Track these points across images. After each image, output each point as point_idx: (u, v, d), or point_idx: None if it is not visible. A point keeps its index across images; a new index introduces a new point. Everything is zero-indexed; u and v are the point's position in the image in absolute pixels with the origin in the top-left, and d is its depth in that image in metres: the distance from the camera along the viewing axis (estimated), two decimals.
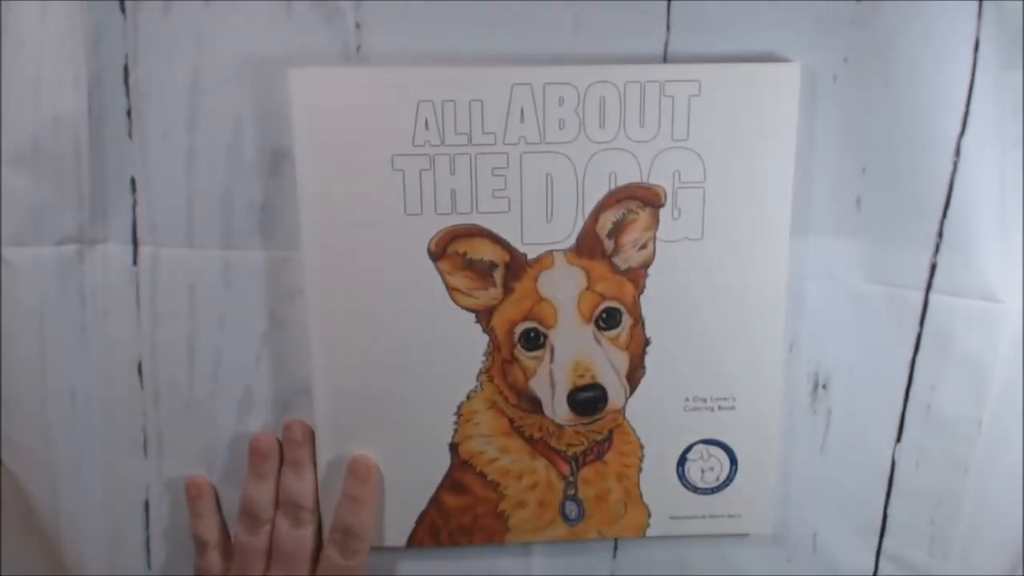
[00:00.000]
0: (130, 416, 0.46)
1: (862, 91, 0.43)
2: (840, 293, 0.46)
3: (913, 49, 0.42)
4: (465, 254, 0.43)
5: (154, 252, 0.44)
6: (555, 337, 0.44)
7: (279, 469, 0.45)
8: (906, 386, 0.46)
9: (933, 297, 0.45)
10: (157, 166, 0.43)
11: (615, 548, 0.49)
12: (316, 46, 0.42)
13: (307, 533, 0.44)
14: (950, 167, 0.43)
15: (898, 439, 0.47)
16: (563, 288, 0.44)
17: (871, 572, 0.49)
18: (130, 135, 0.43)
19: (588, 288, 0.44)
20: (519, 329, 0.44)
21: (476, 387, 0.45)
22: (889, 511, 0.48)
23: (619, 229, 0.43)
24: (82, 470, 0.46)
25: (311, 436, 0.45)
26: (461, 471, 0.46)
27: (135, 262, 0.45)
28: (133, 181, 0.44)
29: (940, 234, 0.44)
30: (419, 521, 0.47)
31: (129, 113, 0.43)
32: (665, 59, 0.43)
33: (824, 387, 0.47)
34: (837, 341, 0.46)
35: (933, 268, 0.45)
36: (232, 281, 0.45)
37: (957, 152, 0.43)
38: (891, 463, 0.48)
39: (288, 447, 0.45)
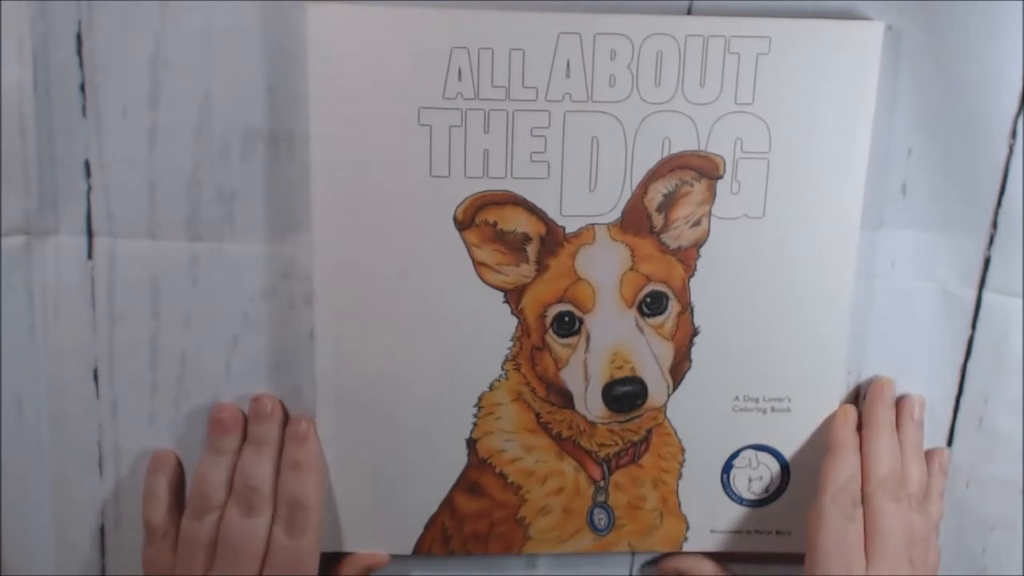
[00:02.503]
0: (84, 429, 0.44)
1: (908, 64, 0.41)
2: (882, 291, 0.44)
3: (963, 17, 0.40)
4: (496, 224, 0.41)
5: (111, 244, 0.43)
6: (592, 323, 0.42)
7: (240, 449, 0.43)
8: (956, 396, 0.45)
9: (987, 296, 0.44)
10: (114, 147, 0.41)
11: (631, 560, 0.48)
12: None
13: (258, 523, 0.41)
14: (1006, 149, 0.41)
15: None
16: (604, 267, 0.42)
17: None
18: (84, 112, 0.41)
19: (632, 268, 0.42)
20: (552, 312, 0.42)
21: (500, 376, 0.43)
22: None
23: (670, 203, 0.41)
24: (29, 491, 0.44)
25: (283, 414, 0.43)
26: (479, 471, 0.44)
27: (90, 256, 0.43)
28: (87, 164, 0.42)
29: (995, 224, 0.43)
30: (428, 526, 0.45)
31: (83, 87, 0.41)
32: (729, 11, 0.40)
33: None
34: (879, 345, 0.44)
35: (987, 263, 0.43)
36: (199, 277, 0.43)
37: (1013, 133, 0.41)
38: None
39: (253, 422, 0.42)
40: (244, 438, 0.43)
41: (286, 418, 0.43)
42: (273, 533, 0.42)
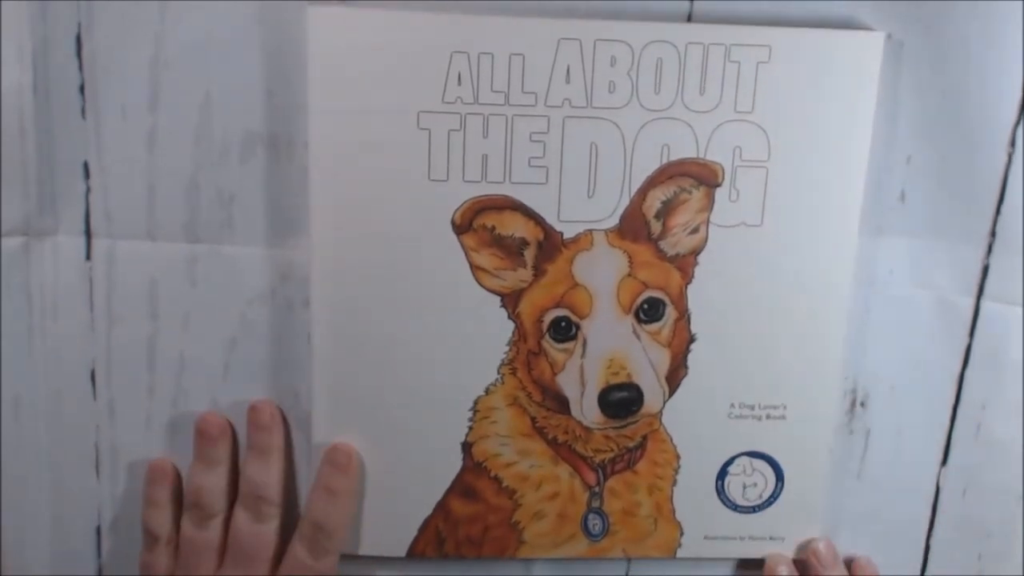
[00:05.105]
0: (81, 430, 0.44)
1: (907, 72, 0.41)
2: (881, 299, 0.44)
3: (963, 26, 0.40)
4: (493, 229, 0.41)
5: (110, 246, 0.42)
6: (588, 328, 0.42)
7: (232, 455, 0.43)
8: (953, 404, 0.44)
9: (985, 304, 0.43)
10: (114, 149, 0.41)
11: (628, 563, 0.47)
12: None
13: (270, 529, 0.42)
14: (1004, 158, 0.41)
15: (943, 463, 0.45)
16: (601, 273, 0.42)
17: None
18: (83, 114, 0.41)
19: (630, 275, 0.42)
20: (549, 317, 0.42)
21: (496, 380, 0.43)
22: (932, 543, 0.46)
23: (669, 210, 0.41)
24: (27, 491, 0.44)
25: (282, 421, 0.43)
26: (474, 475, 0.44)
27: (88, 256, 0.43)
28: (86, 166, 0.42)
29: (993, 233, 0.42)
30: (422, 529, 0.44)
31: (82, 89, 0.41)
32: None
33: (863, 405, 0.45)
34: (877, 353, 0.44)
35: (985, 271, 0.43)
36: (198, 279, 0.43)
37: (1012, 142, 0.41)
38: (935, 489, 0.46)
39: (254, 432, 0.43)
40: (234, 443, 0.43)
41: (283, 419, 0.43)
42: (295, 548, 0.42)
